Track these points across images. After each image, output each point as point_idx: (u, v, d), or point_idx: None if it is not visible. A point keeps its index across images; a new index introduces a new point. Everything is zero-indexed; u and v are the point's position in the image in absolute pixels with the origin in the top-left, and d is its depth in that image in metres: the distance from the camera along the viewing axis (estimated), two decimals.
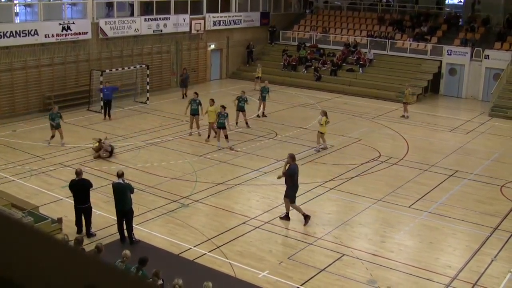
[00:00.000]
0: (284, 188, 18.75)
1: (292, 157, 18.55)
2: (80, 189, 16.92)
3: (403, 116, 33.81)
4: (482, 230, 18.40)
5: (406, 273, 15.48)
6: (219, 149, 25.81)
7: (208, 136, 27.26)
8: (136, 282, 1.38)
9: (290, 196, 18.48)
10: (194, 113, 28.04)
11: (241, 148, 26.22)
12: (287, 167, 18.50)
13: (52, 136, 25.70)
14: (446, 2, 54.31)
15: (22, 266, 1.34)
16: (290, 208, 18.59)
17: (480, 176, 23.71)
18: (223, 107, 26.54)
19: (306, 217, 18.42)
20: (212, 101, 27.12)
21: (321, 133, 25.97)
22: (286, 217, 18.69)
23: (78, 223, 17.14)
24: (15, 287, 1.29)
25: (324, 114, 26.00)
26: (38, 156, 24.40)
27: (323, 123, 25.69)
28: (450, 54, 40.80)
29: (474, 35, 42.06)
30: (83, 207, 16.91)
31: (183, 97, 36.23)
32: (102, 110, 31.49)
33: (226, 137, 26.00)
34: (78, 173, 17.30)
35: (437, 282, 15.02)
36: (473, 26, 42.89)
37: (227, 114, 26.09)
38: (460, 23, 45.91)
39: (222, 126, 25.89)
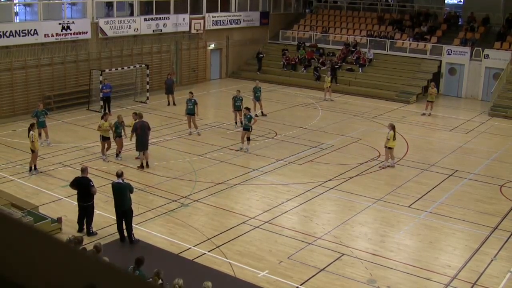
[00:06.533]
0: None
1: (138, 115, 23.62)
2: (81, 186, 17.01)
3: (424, 114, 34.23)
4: (481, 229, 18.40)
5: (406, 272, 15.48)
6: (245, 152, 25.66)
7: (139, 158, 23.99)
8: (136, 282, 1.38)
9: (136, 147, 23.35)
10: (191, 113, 28.01)
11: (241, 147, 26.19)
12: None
13: (39, 134, 25.60)
14: (446, 1, 54.26)
15: (23, 265, 1.34)
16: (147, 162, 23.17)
17: (480, 176, 23.71)
18: (248, 109, 26.52)
19: (141, 167, 23.06)
20: (136, 115, 23.99)
21: (390, 148, 24.19)
22: (141, 166, 23.14)
23: (80, 221, 17.20)
24: (16, 287, 1.29)
25: (392, 128, 24.08)
26: (38, 155, 24.35)
27: (390, 137, 23.93)
28: (449, 54, 40.80)
29: (474, 35, 42.07)
30: (83, 205, 16.97)
31: (168, 104, 34.98)
32: (102, 109, 31.55)
33: (249, 139, 25.94)
34: (82, 170, 17.47)
35: (437, 281, 15.02)
36: (472, 26, 42.87)
37: (251, 116, 26.00)
38: (459, 23, 45.91)
39: (247, 128, 25.82)
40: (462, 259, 16.38)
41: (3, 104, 30.72)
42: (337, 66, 41.59)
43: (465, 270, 15.68)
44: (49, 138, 25.97)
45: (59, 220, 17.26)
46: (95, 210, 17.37)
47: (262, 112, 32.26)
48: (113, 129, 24.19)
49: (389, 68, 41.90)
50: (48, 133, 26.05)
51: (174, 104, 34.60)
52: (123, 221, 16.57)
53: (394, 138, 24.07)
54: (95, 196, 17.26)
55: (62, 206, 19.07)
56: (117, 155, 24.30)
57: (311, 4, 54.30)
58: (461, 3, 52.62)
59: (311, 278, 14.96)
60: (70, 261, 1.41)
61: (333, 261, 15.90)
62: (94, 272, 1.38)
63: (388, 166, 24.30)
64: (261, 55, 44.59)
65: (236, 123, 29.86)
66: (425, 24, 44.73)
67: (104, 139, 23.86)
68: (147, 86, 35.70)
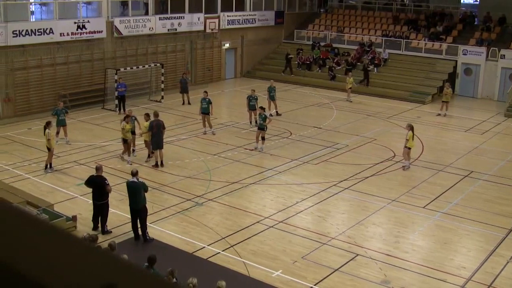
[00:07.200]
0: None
1: (153, 114, 23.82)
2: (96, 185, 17.11)
3: (439, 114, 34.06)
4: (496, 231, 18.28)
5: (420, 273, 15.41)
6: (259, 152, 25.63)
7: (149, 156, 24.29)
8: (157, 282, 1.37)
9: (151, 145, 23.52)
10: (205, 112, 28.00)
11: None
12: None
13: (57, 133, 25.67)
14: (462, 1, 53.96)
15: (41, 264, 1.34)
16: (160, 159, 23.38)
17: (495, 177, 23.55)
18: (262, 108, 26.51)
19: (156, 165, 23.23)
20: (148, 116, 23.99)
21: (408, 148, 24.08)
22: (156, 165, 23.33)
23: (94, 219, 17.28)
24: (34, 285, 1.29)
25: (411, 128, 23.95)
26: (53, 153, 24.47)
27: (409, 138, 23.78)
28: (465, 54, 40.56)
29: (490, 35, 41.80)
30: (98, 204, 17.05)
31: (183, 103, 35.13)
32: (117, 108, 31.81)
33: (263, 138, 25.93)
34: (97, 168, 17.57)
35: (451, 283, 14.94)
36: (488, 26, 42.61)
37: (265, 115, 25.95)
38: (475, 23, 45.64)
39: (261, 128, 25.79)
40: (477, 260, 16.28)
41: (18, 103, 30.91)
42: (369, 69, 41.18)
43: (480, 272, 15.58)
44: (67, 136, 26.07)
45: (74, 218, 17.34)
46: (109, 209, 17.45)
47: (276, 111, 32.24)
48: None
49: (404, 68, 41.74)
50: (67, 131, 26.15)
51: (189, 103, 34.67)
52: (138, 220, 16.63)
53: (412, 139, 23.97)
54: (110, 195, 17.33)
55: (77, 204, 19.16)
56: (133, 151, 24.41)
57: (326, 4, 54.18)
58: (477, 2, 52.30)
59: (325, 278, 14.94)
60: (90, 259, 1.41)
61: (347, 262, 15.86)
62: (114, 271, 1.38)
63: (403, 166, 24.20)
64: (290, 57, 44.27)
65: (250, 122, 29.87)
66: (441, 24, 44.52)
67: (125, 141, 23.82)
68: (162, 85, 35.80)
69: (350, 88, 37.22)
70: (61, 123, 25.72)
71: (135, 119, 24.58)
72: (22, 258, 1.35)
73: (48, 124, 22.30)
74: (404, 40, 43.63)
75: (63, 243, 1.47)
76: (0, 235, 1.45)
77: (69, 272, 1.34)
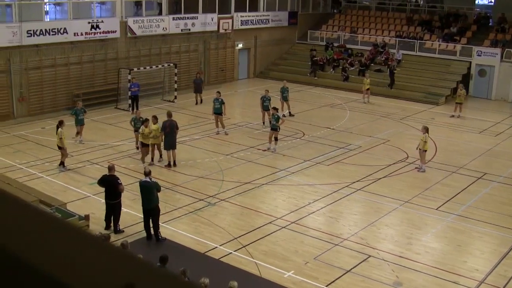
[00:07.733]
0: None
1: (166, 114, 24.10)
2: (108, 184, 17.17)
3: (452, 116, 33.91)
4: (510, 233, 18.16)
5: (432, 275, 15.34)
6: (272, 152, 25.61)
7: (161, 156, 24.13)
8: (174, 281, 1.37)
9: (164, 145, 23.41)
10: (218, 112, 28.02)
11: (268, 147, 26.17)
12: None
13: (77, 133, 25.92)
14: (476, 2, 53.70)
15: (61, 263, 1.35)
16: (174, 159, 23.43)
17: (509, 179, 23.40)
18: (275, 108, 26.52)
19: (168, 165, 23.20)
20: (155, 119, 23.52)
21: (424, 150, 23.89)
22: (168, 165, 23.30)
23: (107, 218, 17.34)
24: (54, 284, 1.29)
25: (426, 130, 23.94)
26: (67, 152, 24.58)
27: (426, 140, 23.71)
28: (479, 55, 40.34)
29: (505, 36, 41.55)
30: (111, 203, 17.12)
31: (196, 103, 35.20)
32: (130, 108, 31.90)
33: (276, 139, 25.93)
34: (109, 168, 17.63)
35: (464, 285, 14.87)
36: (503, 27, 42.37)
37: (278, 116, 25.96)
38: (490, 24, 45.39)
39: (274, 128, 25.78)
40: (490, 263, 16.19)
41: (32, 102, 31.07)
42: (395, 71, 40.63)
43: (493, 275, 15.49)
44: (82, 135, 26.20)
45: (86, 217, 17.39)
46: (122, 208, 17.50)
47: (289, 112, 32.20)
48: (132, 124, 25.02)
49: (417, 69, 41.55)
50: (82, 131, 26.30)
51: (201, 101, 34.78)
52: (150, 220, 16.66)
53: (426, 141, 23.85)
54: (122, 194, 17.38)
55: (89, 204, 19.23)
56: (138, 148, 24.56)
57: (339, 4, 54.06)
58: (492, 3, 52.04)
59: (336, 279, 14.90)
60: (109, 259, 1.41)
61: (359, 263, 15.83)
62: (132, 271, 1.38)
63: (416, 168, 24.10)
64: (316, 59, 44.10)
65: (263, 123, 29.86)
66: (455, 25, 44.29)
67: (144, 145, 23.70)
68: (175, 85, 35.88)
69: (368, 89, 37.08)
70: (80, 123, 25.98)
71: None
72: (42, 257, 1.36)
73: (60, 123, 22.42)
74: (418, 41, 43.46)
75: (81, 242, 1.48)
76: (20, 235, 1.45)
77: (89, 271, 1.35)
